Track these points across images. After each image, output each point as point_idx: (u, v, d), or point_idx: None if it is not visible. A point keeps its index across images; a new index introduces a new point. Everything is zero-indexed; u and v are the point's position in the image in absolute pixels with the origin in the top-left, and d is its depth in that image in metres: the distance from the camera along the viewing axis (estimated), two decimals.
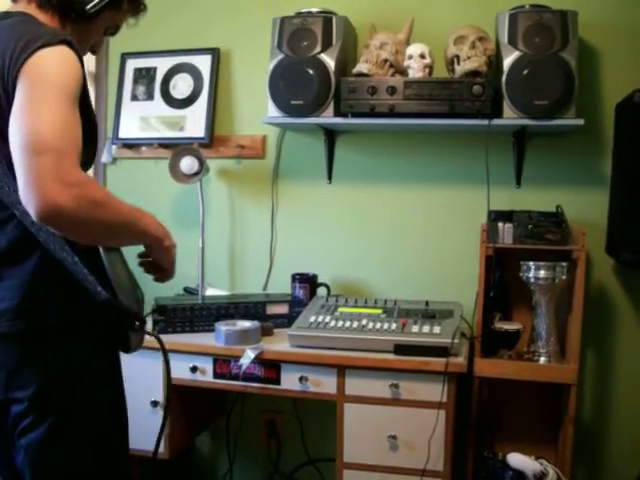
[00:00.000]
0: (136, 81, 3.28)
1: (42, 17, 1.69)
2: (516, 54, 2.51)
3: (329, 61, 2.69)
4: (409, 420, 2.37)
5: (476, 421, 2.53)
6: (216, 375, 2.58)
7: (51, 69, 1.50)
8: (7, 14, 1.68)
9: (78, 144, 1.49)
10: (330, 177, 3.07)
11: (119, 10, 1.83)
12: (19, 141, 1.42)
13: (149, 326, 2.68)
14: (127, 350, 1.77)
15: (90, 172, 3.38)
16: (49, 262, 1.58)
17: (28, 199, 1.39)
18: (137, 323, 1.68)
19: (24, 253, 1.61)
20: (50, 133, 1.41)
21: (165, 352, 1.86)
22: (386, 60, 2.71)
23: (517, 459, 2.45)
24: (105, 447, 1.76)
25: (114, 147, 3.34)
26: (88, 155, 1.66)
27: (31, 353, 1.63)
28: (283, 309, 2.81)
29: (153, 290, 3.05)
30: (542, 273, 2.48)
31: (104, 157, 3.35)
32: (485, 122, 2.56)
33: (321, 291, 2.95)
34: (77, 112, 1.53)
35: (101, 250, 1.63)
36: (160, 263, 1.80)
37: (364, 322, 2.53)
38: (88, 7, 1.72)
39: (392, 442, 2.38)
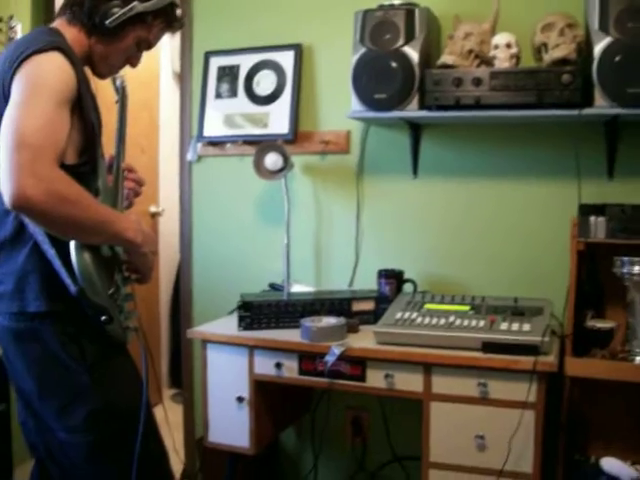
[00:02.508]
0: (220, 79, 3.31)
1: (70, 31, 1.85)
2: (607, 40, 2.40)
3: (412, 53, 2.64)
4: (497, 420, 2.31)
5: (567, 422, 2.45)
6: (301, 371, 2.58)
7: (39, 73, 1.67)
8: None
9: (57, 143, 1.63)
10: (415, 172, 3.03)
11: (145, 26, 1.93)
12: (4, 137, 1.57)
13: (230, 323, 2.71)
14: (119, 341, 1.89)
15: (175, 169, 3.49)
16: (37, 252, 1.77)
17: (4, 189, 1.54)
18: (103, 318, 1.78)
19: (20, 242, 1.79)
20: (30, 132, 1.57)
21: (147, 348, 1.92)
22: (471, 51, 2.65)
23: (612, 464, 2.37)
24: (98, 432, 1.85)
25: (199, 145, 3.38)
26: (89, 155, 1.81)
27: (18, 338, 1.82)
28: (369, 305, 2.79)
29: (240, 286, 3.12)
30: (637, 269, 2.37)
31: (189, 155, 3.40)
32: (575, 112, 2.47)
33: (407, 287, 2.91)
34: (64, 113, 1.68)
35: (72, 244, 1.72)
36: (136, 266, 1.92)
37: (451, 319, 2.49)
38: (107, 22, 1.85)
39: (479, 442, 2.33)
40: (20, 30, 3.24)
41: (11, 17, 3.26)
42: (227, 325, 2.79)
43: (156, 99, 4.64)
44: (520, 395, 2.28)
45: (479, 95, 2.55)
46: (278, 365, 2.59)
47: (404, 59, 2.65)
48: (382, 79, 2.68)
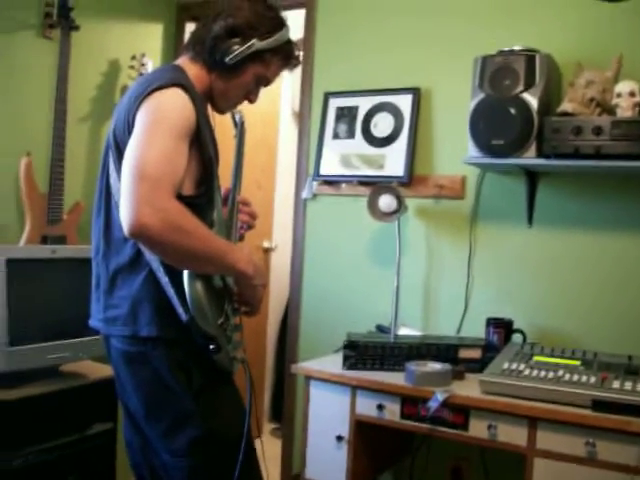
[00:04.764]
0: (338, 119, 3.37)
1: (192, 68, 1.95)
2: None
3: (532, 100, 2.62)
4: None
5: None
6: (403, 415, 2.56)
7: (160, 108, 1.75)
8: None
9: (175, 176, 1.70)
10: (531, 221, 2.97)
11: (263, 63, 1.98)
12: (126, 168, 1.67)
13: (334, 361, 2.72)
14: (226, 371, 1.92)
15: (290, 206, 3.55)
16: (153, 279, 1.83)
17: (123, 217, 1.62)
18: (212, 347, 1.81)
19: (137, 269, 1.85)
20: (150, 164, 1.65)
21: (251, 381, 1.93)
22: (592, 99, 2.59)
23: None
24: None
25: (315, 183, 3.43)
26: (206, 187, 1.87)
27: (129, 360, 1.88)
28: (476, 353, 2.74)
29: (346, 325, 3.13)
30: None
31: (305, 193, 3.46)
32: None
33: (516, 338, 2.85)
34: (183, 147, 1.75)
35: (185, 273, 1.77)
36: (246, 298, 1.96)
37: (560, 373, 2.41)
38: (227, 59, 1.91)
39: None
40: (150, 67, 3.41)
41: (143, 55, 3.44)
42: (332, 363, 2.80)
43: (275, 137, 4.75)
44: (631, 459, 2.17)
45: (599, 144, 2.49)
46: (380, 407, 2.58)
47: (523, 105, 2.62)
48: (500, 125, 2.66)
